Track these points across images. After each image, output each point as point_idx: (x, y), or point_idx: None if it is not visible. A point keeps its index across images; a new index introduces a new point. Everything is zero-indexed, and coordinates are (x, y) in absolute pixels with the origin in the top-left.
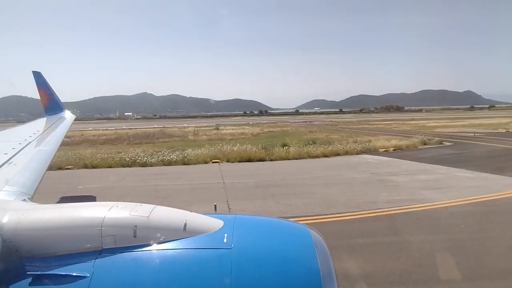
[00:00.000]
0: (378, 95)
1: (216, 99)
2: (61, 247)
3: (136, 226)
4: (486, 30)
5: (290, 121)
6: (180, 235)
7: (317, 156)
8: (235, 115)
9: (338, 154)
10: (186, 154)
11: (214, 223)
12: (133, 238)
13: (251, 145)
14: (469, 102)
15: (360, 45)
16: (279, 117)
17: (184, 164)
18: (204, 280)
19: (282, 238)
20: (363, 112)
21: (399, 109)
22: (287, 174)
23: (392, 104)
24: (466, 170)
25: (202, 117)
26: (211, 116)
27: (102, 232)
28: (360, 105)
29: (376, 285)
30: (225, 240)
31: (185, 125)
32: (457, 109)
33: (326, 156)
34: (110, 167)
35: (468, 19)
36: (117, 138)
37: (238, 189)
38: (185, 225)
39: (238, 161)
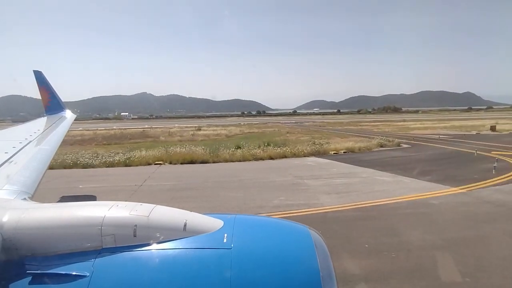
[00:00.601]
0: (378, 96)
1: (216, 100)
2: (61, 246)
3: (136, 225)
4: (486, 31)
5: (282, 122)
6: (180, 234)
7: (262, 158)
8: (232, 116)
9: (285, 157)
10: (130, 156)
11: (214, 223)
12: (133, 237)
13: (203, 147)
14: (468, 103)
15: (360, 46)
16: (275, 118)
17: (126, 165)
18: (204, 280)
19: (282, 239)
20: (360, 113)
21: (396, 110)
22: (213, 177)
23: (389, 105)
24: (389, 174)
25: (198, 117)
26: (207, 117)
27: (102, 232)
28: (360, 105)
29: None
30: (225, 240)
31: (176, 125)
32: (454, 110)
33: (271, 159)
34: (51, 168)
35: (468, 20)
36: (91, 139)
37: (147, 192)
38: (185, 224)
39: (181, 163)
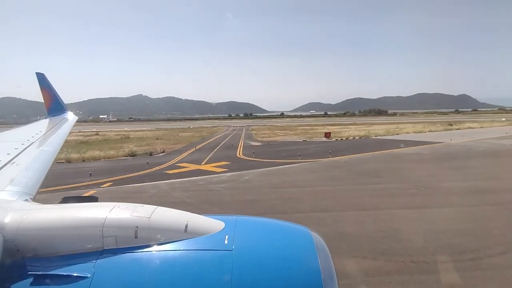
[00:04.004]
0: (374, 98)
1: (212, 102)
2: (62, 247)
3: (137, 227)
4: (483, 34)
5: (253, 124)
6: (181, 236)
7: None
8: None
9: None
10: None
11: (215, 224)
12: (134, 239)
13: None
14: (464, 105)
15: (357, 49)
16: (261, 120)
17: None
18: (205, 282)
19: (283, 240)
20: (347, 116)
21: (380, 113)
22: None
23: (373, 108)
24: None
25: (175, 120)
26: (184, 119)
27: (103, 233)
28: (356, 107)
29: None
30: (226, 242)
31: (137, 128)
32: (441, 113)
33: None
34: None
35: (464, 22)
36: None
37: None
38: (186, 226)
39: None
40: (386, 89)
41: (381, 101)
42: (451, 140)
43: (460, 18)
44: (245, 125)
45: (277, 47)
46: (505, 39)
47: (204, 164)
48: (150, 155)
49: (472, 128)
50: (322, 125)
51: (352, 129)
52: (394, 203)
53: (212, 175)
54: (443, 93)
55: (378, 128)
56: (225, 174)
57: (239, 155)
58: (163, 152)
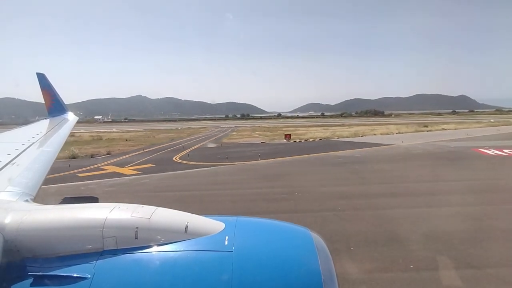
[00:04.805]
0: (374, 99)
1: (211, 103)
2: (62, 248)
3: (137, 227)
4: (482, 34)
5: (243, 125)
6: (181, 237)
7: None
8: (211, 119)
9: None
10: None
11: (215, 225)
12: (135, 239)
13: None
14: (463, 106)
15: (357, 50)
16: (256, 121)
17: None
18: (205, 283)
19: (284, 241)
20: (343, 117)
21: (376, 114)
22: None
23: (370, 109)
24: None
25: (169, 121)
26: (179, 120)
27: (103, 234)
28: (355, 108)
29: None
30: (226, 243)
31: (124, 129)
32: (437, 114)
33: None
34: None
35: (464, 23)
36: None
37: None
38: (186, 227)
39: None
40: (386, 90)
41: (380, 102)
42: (402, 142)
43: (459, 19)
44: (234, 126)
45: (277, 47)
46: (504, 40)
47: (127, 167)
48: (92, 157)
49: (445, 129)
50: (311, 126)
51: (328, 131)
52: (252, 208)
53: (118, 178)
54: (442, 94)
55: (359, 129)
56: (130, 177)
57: (175, 158)
58: (108, 154)
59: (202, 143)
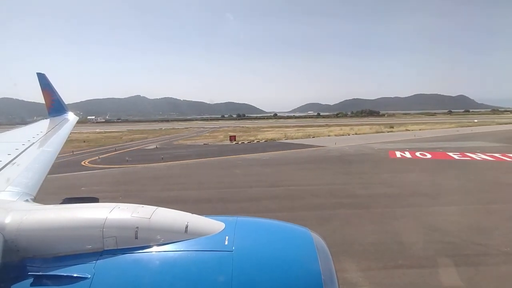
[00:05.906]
0: (373, 99)
1: (210, 103)
2: (62, 248)
3: (137, 227)
4: (481, 34)
5: (232, 125)
6: (181, 237)
7: None
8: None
9: None
10: None
11: (215, 225)
12: (135, 239)
13: None
14: (462, 106)
15: (356, 50)
16: (251, 121)
17: None
18: (205, 283)
19: (284, 241)
20: (339, 117)
21: (372, 114)
22: None
23: (365, 109)
24: None
25: (163, 121)
26: (172, 120)
27: (103, 233)
28: (354, 108)
29: None
30: (226, 243)
31: (107, 130)
32: (434, 114)
33: None
34: None
35: (462, 23)
36: None
37: None
38: (186, 227)
39: None
40: (385, 90)
41: (379, 102)
42: (335, 144)
43: (459, 19)
44: (218, 126)
45: (276, 47)
46: (503, 40)
47: None
48: None
49: (408, 130)
50: (301, 126)
51: (292, 132)
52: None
53: None
54: (441, 94)
55: (333, 129)
56: None
57: (85, 163)
58: None
59: (148, 145)
